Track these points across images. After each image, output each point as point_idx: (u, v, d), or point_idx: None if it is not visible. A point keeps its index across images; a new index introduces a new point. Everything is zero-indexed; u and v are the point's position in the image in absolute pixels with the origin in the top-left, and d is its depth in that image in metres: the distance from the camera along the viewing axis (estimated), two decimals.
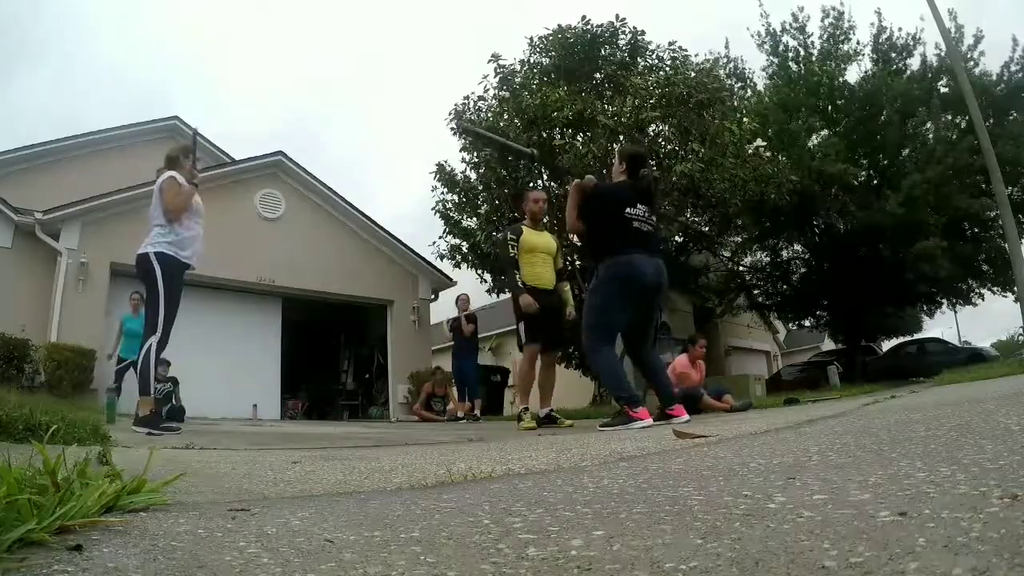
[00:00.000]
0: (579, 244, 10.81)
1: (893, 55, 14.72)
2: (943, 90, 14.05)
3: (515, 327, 4.88)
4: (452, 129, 11.51)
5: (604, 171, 10.83)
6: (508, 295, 8.94)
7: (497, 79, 11.37)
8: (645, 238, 3.82)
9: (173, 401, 7.81)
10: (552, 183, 11.06)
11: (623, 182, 3.96)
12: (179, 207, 3.84)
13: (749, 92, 15.51)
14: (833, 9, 14.62)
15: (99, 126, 12.82)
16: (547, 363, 5.03)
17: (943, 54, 13.88)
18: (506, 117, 10.88)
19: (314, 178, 11.84)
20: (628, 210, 3.77)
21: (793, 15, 15.06)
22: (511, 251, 4.85)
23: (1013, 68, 14.11)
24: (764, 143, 11.88)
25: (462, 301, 9.24)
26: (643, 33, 11.18)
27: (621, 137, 10.29)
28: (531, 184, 10.73)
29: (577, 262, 10.68)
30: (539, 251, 4.90)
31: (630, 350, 4.07)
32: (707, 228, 12.58)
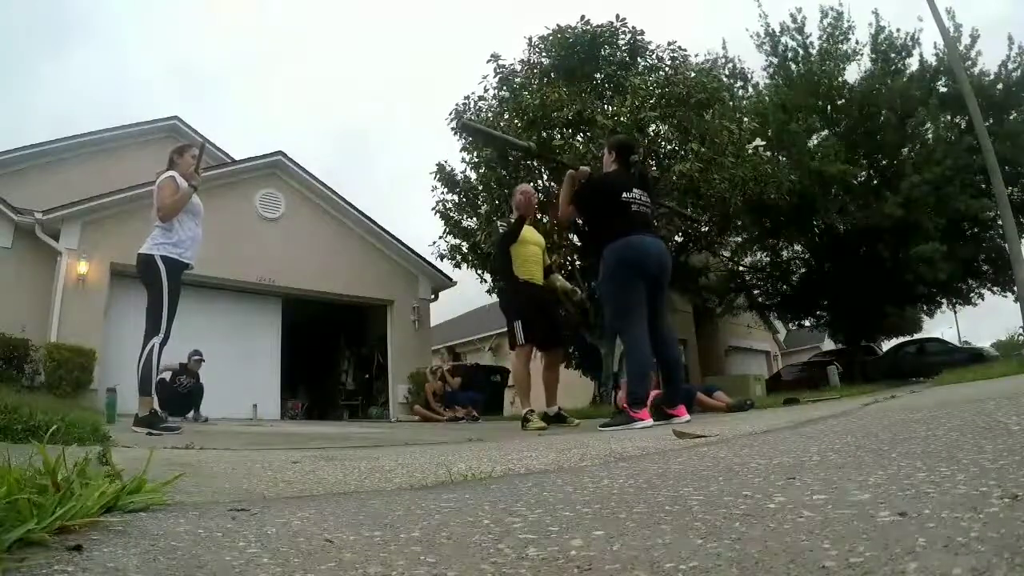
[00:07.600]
0: (579, 243, 10.87)
1: (892, 55, 14.70)
2: (942, 90, 14.04)
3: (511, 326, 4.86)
4: (452, 129, 11.52)
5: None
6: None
7: (497, 79, 11.40)
8: (644, 219, 3.92)
9: (195, 412, 7.84)
10: (552, 183, 11.06)
11: (616, 170, 4.07)
12: (172, 207, 3.81)
13: (749, 91, 15.50)
14: (832, 9, 14.60)
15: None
16: (550, 362, 4.99)
17: (942, 54, 13.87)
18: (506, 117, 10.88)
19: (314, 178, 11.84)
20: (624, 195, 3.87)
21: (791, 15, 15.04)
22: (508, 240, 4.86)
23: (1010, 67, 14.12)
24: (763, 142, 11.87)
25: (442, 365, 9.57)
26: (643, 33, 11.19)
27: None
28: (530, 183, 10.73)
29: (577, 262, 10.67)
30: (531, 244, 4.90)
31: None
32: (707, 228, 12.56)
